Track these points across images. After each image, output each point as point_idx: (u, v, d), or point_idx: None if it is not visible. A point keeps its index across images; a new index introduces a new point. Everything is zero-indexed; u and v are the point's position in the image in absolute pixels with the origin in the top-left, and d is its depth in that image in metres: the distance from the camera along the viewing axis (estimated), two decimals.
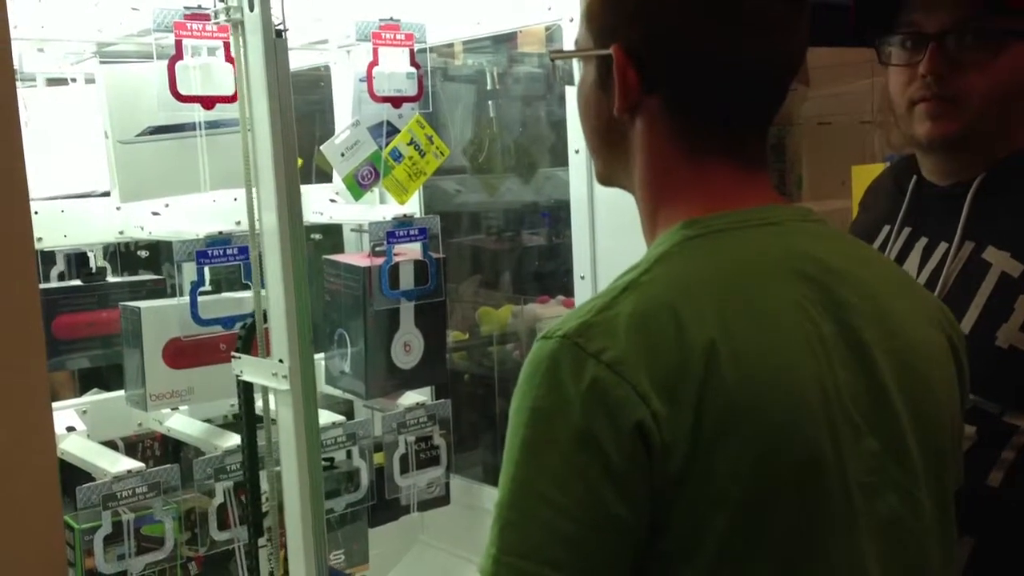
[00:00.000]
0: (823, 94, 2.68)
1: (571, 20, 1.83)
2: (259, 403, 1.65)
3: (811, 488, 0.76)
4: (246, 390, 1.64)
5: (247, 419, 1.65)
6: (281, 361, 1.50)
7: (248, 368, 1.60)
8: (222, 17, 1.49)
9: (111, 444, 1.88)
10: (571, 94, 1.74)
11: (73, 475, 1.65)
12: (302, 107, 2.57)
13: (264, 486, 1.68)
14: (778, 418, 0.74)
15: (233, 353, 1.64)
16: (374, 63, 1.81)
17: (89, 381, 2.09)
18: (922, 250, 1.23)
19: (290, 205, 1.46)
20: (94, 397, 1.95)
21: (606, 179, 0.94)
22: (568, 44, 1.84)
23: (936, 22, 1.16)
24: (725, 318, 0.75)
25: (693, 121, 0.84)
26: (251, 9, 1.42)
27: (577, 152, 1.89)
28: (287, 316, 1.48)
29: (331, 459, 1.88)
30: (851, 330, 0.81)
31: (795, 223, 0.85)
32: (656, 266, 0.80)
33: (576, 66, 0.94)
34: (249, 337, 1.65)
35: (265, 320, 1.56)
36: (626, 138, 0.87)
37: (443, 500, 2.04)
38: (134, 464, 1.64)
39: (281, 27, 1.44)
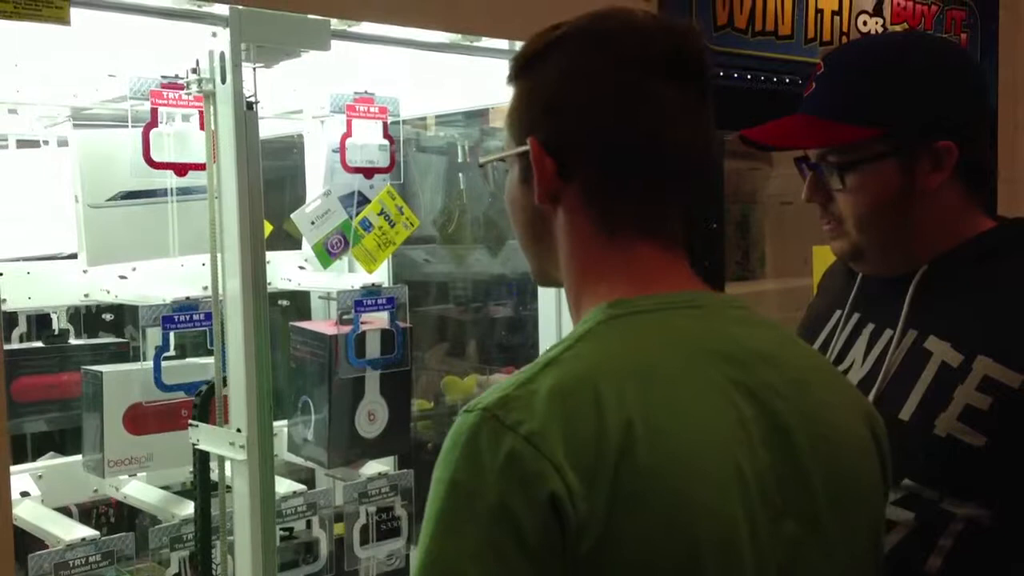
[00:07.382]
0: (785, 174, 2.74)
1: None
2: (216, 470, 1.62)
3: (726, 569, 0.76)
4: (202, 459, 1.61)
5: (202, 489, 1.62)
6: (239, 430, 1.47)
7: (205, 436, 1.58)
8: (194, 88, 1.52)
9: (65, 510, 1.84)
10: None
11: (25, 541, 1.62)
12: (274, 173, 2.59)
13: (218, 556, 1.65)
14: (693, 499, 0.75)
15: (190, 421, 1.61)
16: (347, 135, 1.84)
17: (44, 445, 2.06)
18: (868, 336, 1.26)
19: (254, 273, 1.46)
20: (50, 461, 1.92)
21: (540, 275, 0.97)
22: None
23: (813, 153, 1.24)
24: (645, 398, 0.76)
25: (610, 203, 0.87)
26: (223, 81, 1.45)
27: None
28: (247, 384, 1.46)
29: (290, 529, 1.85)
30: (773, 413, 0.82)
31: (719, 308, 0.87)
32: (579, 343, 0.81)
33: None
34: (206, 404, 1.62)
35: (224, 387, 1.54)
36: (550, 229, 0.90)
37: (403, 573, 2.01)
38: (88, 532, 1.60)
39: (252, 99, 1.47)
